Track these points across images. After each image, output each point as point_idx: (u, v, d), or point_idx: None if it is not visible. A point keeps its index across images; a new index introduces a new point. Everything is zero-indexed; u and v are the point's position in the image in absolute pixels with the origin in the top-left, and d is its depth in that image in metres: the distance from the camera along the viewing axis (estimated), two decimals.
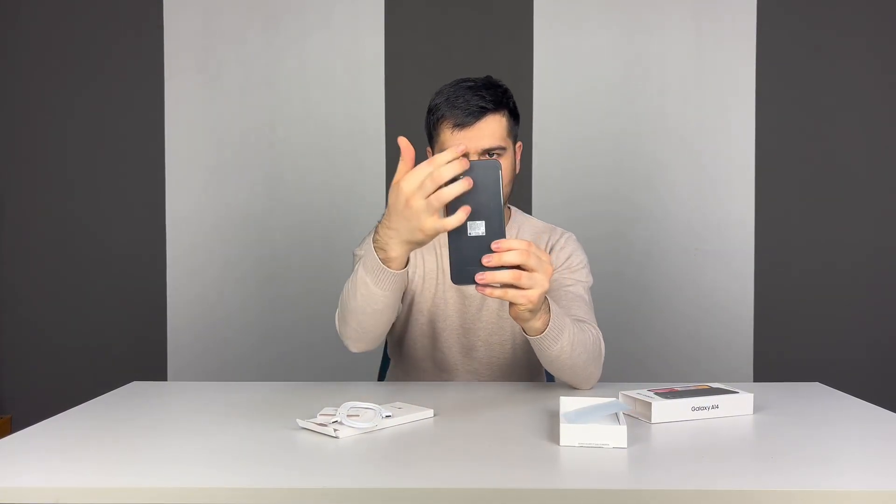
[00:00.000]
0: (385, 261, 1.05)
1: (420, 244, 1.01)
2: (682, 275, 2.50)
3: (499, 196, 0.93)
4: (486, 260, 0.92)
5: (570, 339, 1.14)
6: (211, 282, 2.52)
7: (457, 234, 0.93)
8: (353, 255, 1.41)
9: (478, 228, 0.93)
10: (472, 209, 0.93)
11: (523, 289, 0.94)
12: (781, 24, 2.47)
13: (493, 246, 0.92)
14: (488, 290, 0.93)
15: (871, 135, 2.48)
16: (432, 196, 0.93)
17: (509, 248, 0.92)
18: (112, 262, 2.54)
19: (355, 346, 1.25)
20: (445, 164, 0.92)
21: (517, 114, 1.35)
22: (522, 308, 0.99)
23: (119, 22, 2.52)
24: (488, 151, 1.30)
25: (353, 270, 1.39)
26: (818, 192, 2.49)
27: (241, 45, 2.51)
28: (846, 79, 2.48)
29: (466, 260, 0.93)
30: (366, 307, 1.14)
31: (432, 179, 0.92)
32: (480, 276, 0.92)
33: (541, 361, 1.20)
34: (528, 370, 1.45)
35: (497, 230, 0.93)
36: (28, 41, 2.52)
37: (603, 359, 1.26)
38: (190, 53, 2.51)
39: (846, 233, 2.49)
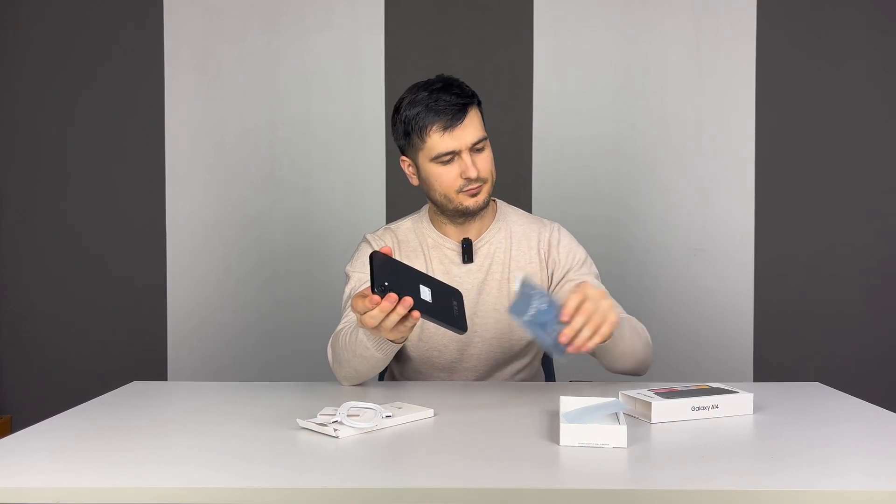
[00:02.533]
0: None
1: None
2: (682, 275, 2.50)
3: (408, 266, 1.09)
4: (564, 338, 1.04)
5: (630, 332, 1.24)
6: (211, 282, 2.52)
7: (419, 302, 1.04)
8: (346, 274, 1.42)
9: (427, 294, 1.06)
10: (410, 285, 1.05)
11: (597, 334, 1.06)
12: (781, 24, 2.47)
13: (563, 318, 1.04)
14: (573, 349, 1.05)
15: (871, 135, 2.48)
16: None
17: (570, 313, 1.04)
18: (112, 262, 2.54)
19: (348, 384, 1.31)
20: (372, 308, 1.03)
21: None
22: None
23: (119, 22, 2.51)
24: (475, 145, 1.33)
25: (344, 288, 1.40)
26: (818, 192, 2.49)
27: (241, 45, 2.51)
28: (846, 79, 2.48)
29: (441, 308, 1.07)
30: (364, 362, 1.23)
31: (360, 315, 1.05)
32: (573, 349, 1.05)
33: (605, 363, 1.28)
34: (527, 365, 1.45)
35: (438, 284, 1.09)
36: (28, 41, 2.52)
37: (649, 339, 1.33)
38: (190, 53, 2.51)
39: (846, 233, 2.49)
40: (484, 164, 1.34)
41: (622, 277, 2.49)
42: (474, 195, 1.34)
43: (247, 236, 2.52)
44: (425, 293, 1.04)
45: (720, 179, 2.49)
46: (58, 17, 2.52)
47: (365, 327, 1.06)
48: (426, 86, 1.34)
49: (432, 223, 1.44)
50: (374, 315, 1.02)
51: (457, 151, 1.32)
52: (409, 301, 1.01)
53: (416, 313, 1.02)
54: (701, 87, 2.48)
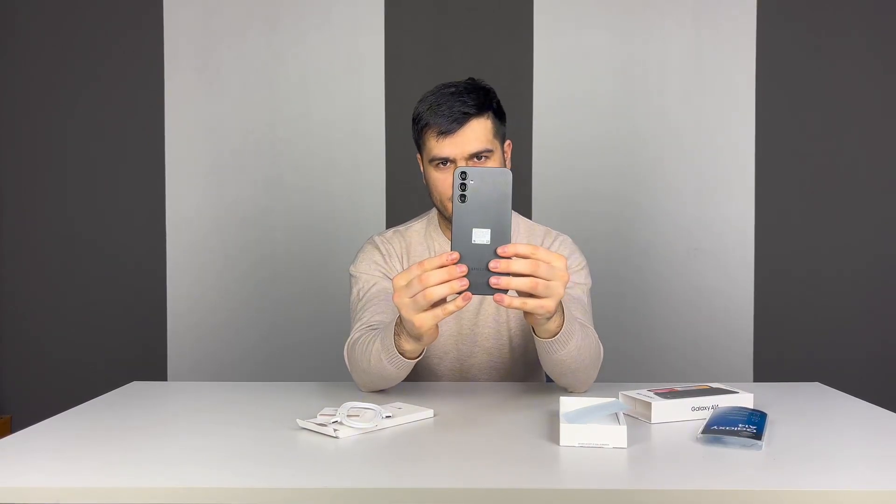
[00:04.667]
0: (398, 347, 1.10)
1: (419, 338, 1.03)
2: (682, 275, 2.50)
3: (507, 204, 0.92)
4: (493, 265, 0.91)
5: (578, 344, 1.14)
6: (211, 282, 2.52)
7: (461, 243, 0.92)
8: (350, 275, 1.41)
9: (483, 237, 0.92)
10: (479, 217, 0.92)
11: (540, 298, 0.93)
12: (781, 25, 2.47)
13: (499, 251, 0.91)
14: (506, 302, 0.92)
15: (871, 135, 2.48)
16: (419, 295, 0.93)
17: (515, 253, 0.91)
18: (112, 262, 2.54)
19: (366, 391, 1.28)
20: (434, 268, 0.92)
21: (503, 113, 1.34)
22: (540, 316, 1.00)
23: (119, 22, 2.51)
24: (475, 155, 1.28)
25: (350, 291, 1.39)
26: (818, 192, 2.49)
27: (241, 45, 2.51)
28: (846, 79, 2.48)
29: (474, 271, 0.92)
30: (380, 375, 1.19)
31: (419, 280, 0.93)
32: (496, 282, 0.91)
33: (543, 363, 1.19)
34: (526, 371, 1.45)
35: (502, 238, 0.92)
36: (28, 41, 2.52)
37: (601, 363, 1.25)
38: (190, 53, 2.51)
39: (846, 233, 2.49)
40: None
41: (622, 277, 2.49)
42: None
43: (247, 236, 2.52)
44: (482, 236, 0.92)
45: (720, 179, 2.49)
46: (57, 16, 2.52)
47: (407, 297, 0.95)
48: (444, 87, 1.30)
49: (439, 227, 1.44)
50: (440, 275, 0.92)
51: (451, 159, 1.28)
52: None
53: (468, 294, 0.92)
54: (701, 87, 2.48)
